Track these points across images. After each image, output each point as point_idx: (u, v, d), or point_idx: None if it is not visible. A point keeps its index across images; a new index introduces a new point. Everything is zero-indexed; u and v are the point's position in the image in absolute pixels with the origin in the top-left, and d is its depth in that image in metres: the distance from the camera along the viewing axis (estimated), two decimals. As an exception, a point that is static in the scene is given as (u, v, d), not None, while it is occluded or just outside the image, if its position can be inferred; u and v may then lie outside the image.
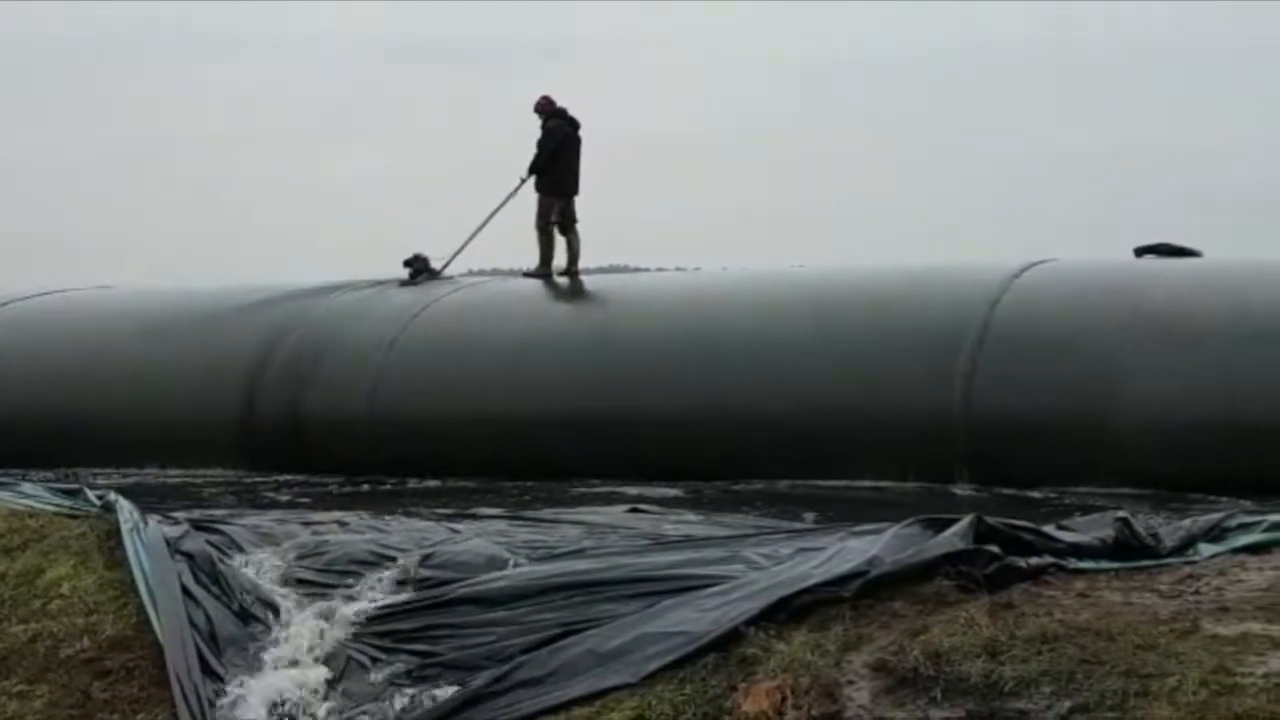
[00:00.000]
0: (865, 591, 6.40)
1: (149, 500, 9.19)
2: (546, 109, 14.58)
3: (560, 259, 14.66)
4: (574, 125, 14.61)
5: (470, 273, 16.96)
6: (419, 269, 14.46)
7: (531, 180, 14.58)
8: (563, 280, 14.40)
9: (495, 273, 17.05)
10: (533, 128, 14.65)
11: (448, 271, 14.77)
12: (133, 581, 7.34)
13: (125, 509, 7.96)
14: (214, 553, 7.51)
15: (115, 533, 7.82)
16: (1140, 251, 12.20)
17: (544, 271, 14.49)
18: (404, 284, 14.19)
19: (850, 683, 5.83)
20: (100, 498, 8.40)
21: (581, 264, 14.69)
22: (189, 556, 7.43)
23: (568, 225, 14.61)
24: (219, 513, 8.98)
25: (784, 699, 5.78)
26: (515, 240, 14.87)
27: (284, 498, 11.05)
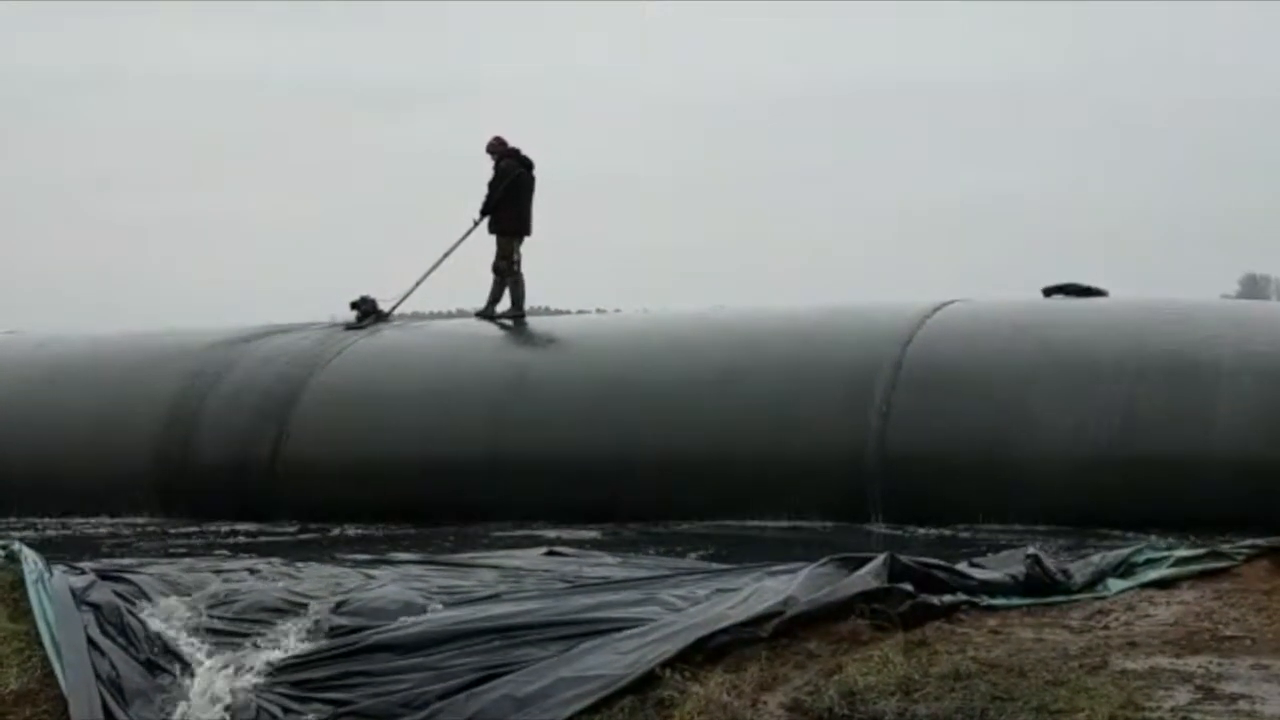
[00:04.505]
0: (781, 631, 6.42)
1: (62, 550, 9.00)
2: (499, 149, 14.43)
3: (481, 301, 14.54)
4: (527, 165, 14.39)
5: (432, 315, 16.77)
6: (366, 310, 14.32)
7: (485, 222, 14.42)
8: (480, 322, 14.33)
9: (459, 314, 16.86)
10: (485, 168, 14.38)
11: (396, 314, 14.65)
12: (37, 633, 7.17)
13: (30, 559, 7.79)
14: (121, 603, 7.35)
15: (20, 584, 7.64)
16: (1049, 291, 12.41)
17: (518, 311, 14.24)
18: (350, 327, 14.03)
19: (766, 723, 5.84)
20: (4, 548, 8.22)
21: (500, 306, 14.57)
22: (95, 607, 7.27)
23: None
24: (128, 561, 8.81)
25: (700, 741, 5.77)
26: (478, 280, 14.60)
27: (199, 545, 10.86)
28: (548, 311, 22.44)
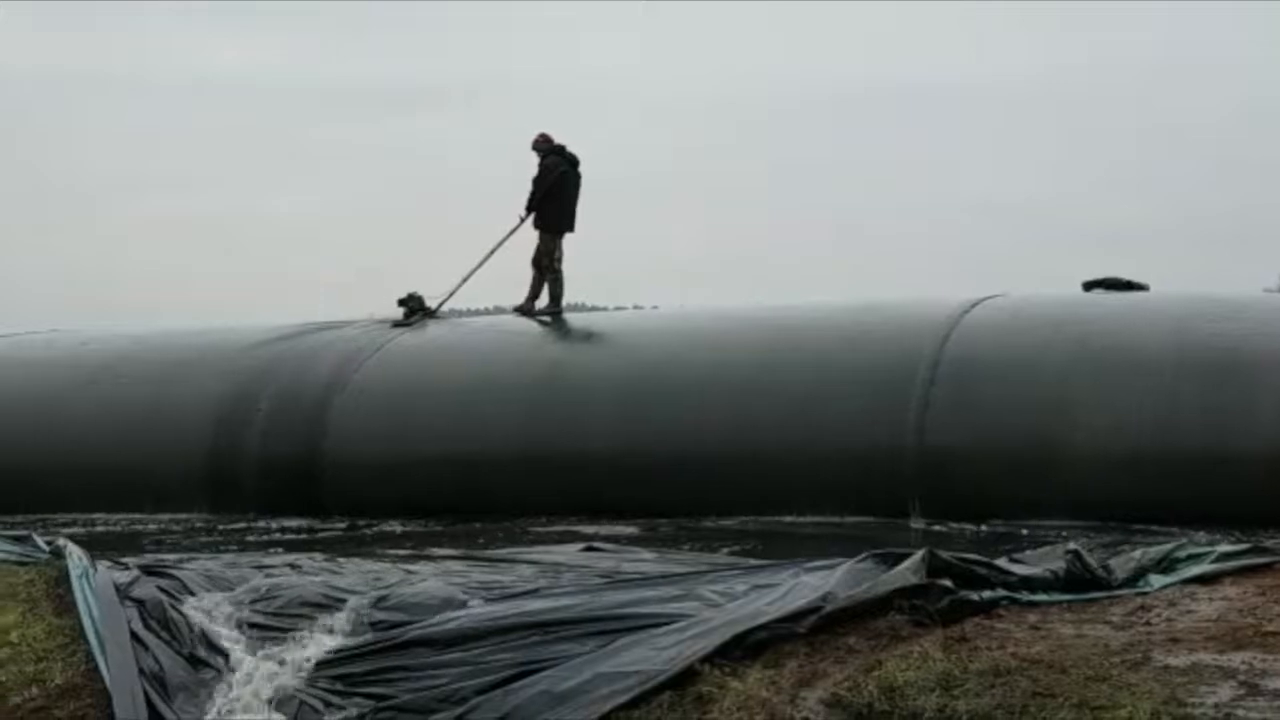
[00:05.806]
0: (820, 627, 6.41)
1: (109, 546, 9.09)
2: (544, 145, 14.47)
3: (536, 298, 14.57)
4: (573, 162, 14.41)
5: (468, 311, 16.86)
6: (414, 308, 14.39)
7: (531, 218, 14.45)
8: (518, 318, 14.38)
9: (497, 311, 16.96)
10: (530, 163, 14.42)
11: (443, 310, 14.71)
12: (82, 628, 7.24)
13: (74, 555, 7.87)
14: (164, 598, 7.41)
15: (65, 579, 7.72)
16: (1089, 286, 12.36)
17: (555, 308, 14.31)
18: (397, 324, 14.11)
19: (805, 719, 5.83)
20: (49, 544, 8.30)
21: (538, 303, 14.60)
22: (139, 602, 7.33)
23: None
24: (171, 557, 8.89)
25: (739, 737, 5.77)
26: (520, 278, 14.68)
27: (243, 541, 10.96)
28: (584, 308, 22.51)
